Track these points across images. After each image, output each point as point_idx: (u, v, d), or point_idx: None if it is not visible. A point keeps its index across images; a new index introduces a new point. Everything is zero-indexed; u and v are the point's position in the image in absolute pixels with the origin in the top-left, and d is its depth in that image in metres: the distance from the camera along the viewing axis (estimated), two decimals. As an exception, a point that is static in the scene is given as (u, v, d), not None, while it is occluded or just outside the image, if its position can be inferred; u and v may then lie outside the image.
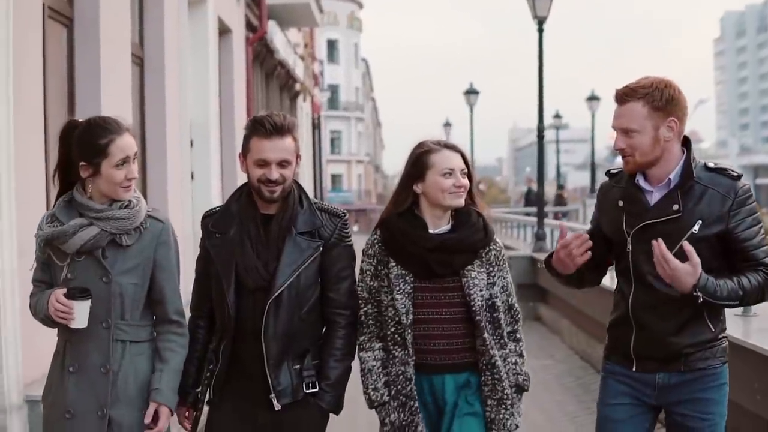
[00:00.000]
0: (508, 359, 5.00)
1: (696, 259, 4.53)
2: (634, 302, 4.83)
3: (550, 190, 48.75)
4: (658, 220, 4.72)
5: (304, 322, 4.94)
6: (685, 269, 4.54)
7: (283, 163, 4.86)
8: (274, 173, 4.84)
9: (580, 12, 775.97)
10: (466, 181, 4.98)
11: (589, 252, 4.80)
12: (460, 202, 4.98)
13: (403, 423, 4.89)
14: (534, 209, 25.20)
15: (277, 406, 4.84)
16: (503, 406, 4.92)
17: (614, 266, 5.03)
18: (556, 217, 33.02)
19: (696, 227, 4.66)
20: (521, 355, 5.06)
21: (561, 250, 4.84)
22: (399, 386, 4.92)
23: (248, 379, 4.90)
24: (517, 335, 5.09)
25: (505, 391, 4.93)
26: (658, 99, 4.67)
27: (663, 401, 4.86)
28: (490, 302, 4.96)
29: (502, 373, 4.92)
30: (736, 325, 7.73)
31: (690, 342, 4.75)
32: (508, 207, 45.63)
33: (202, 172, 15.49)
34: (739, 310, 8.09)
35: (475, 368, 4.95)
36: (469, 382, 4.96)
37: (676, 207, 4.69)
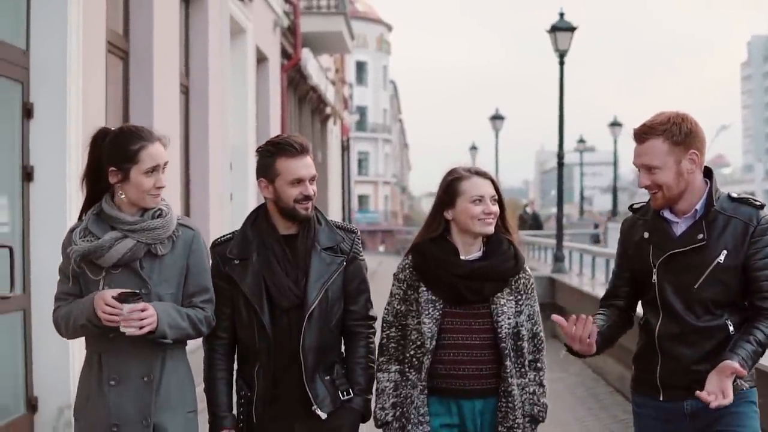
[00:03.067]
0: (527, 389, 5.00)
1: (726, 387, 4.53)
2: (660, 332, 4.80)
3: (573, 213, 49.32)
4: (684, 249, 4.71)
5: (332, 335, 5.04)
6: (723, 383, 4.53)
7: (312, 180, 4.97)
8: (310, 189, 4.93)
9: (605, 34, 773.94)
10: (496, 208, 4.99)
11: (596, 328, 4.84)
12: (490, 229, 4.99)
13: None
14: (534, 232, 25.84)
15: (323, 416, 4.92)
16: None
17: (640, 298, 5.01)
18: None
19: (722, 257, 4.66)
20: (541, 385, 5.06)
21: (572, 343, 4.83)
22: (404, 409, 4.96)
23: (285, 395, 4.95)
24: (539, 364, 5.07)
25: (517, 420, 4.92)
26: (677, 134, 4.67)
27: (697, 427, 4.79)
28: (515, 330, 4.96)
29: (516, 402, 4.92)
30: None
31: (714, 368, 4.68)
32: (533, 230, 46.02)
33: (240, 193, 16.20)
34: None
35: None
36: (494, 408, 4.97)
37: (701, 236, 4.69)
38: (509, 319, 4.95)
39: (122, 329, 4.60)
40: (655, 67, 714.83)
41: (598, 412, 11.94)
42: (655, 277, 4.80)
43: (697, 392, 4.53)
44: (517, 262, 5.05)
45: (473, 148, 59.52)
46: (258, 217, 5.09)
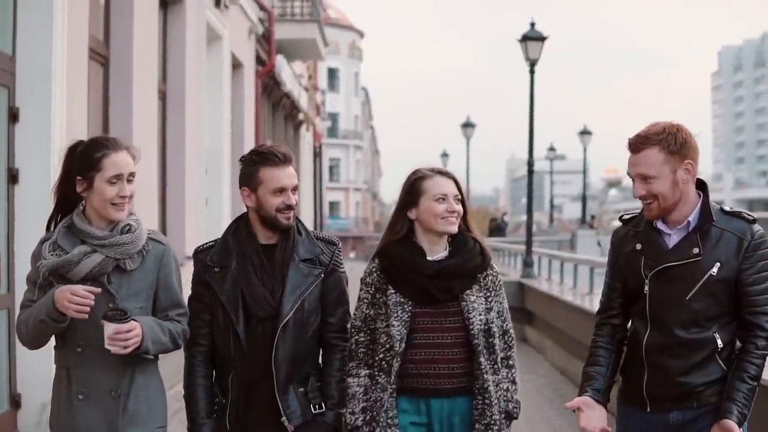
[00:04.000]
0: (500, 385, 4.96)
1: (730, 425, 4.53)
2: (648, 343, 4.76)
3: (544, 221, 49.79)
4: (678, 263, 4.69)
5: (307, 346, 5.02)
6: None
7: (294, 189, 4.98)
8: (292, 198, 4.94)
9: (576, 45, 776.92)
10: (459, 207, 4.97)
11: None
12: (453, 228, 4.97)
13: None
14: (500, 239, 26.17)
15: (291, 428, 4.92)
16: (490, 431, 4.89)
17: (629, 308, 4.97)
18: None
19: (714, 269, 4.63)
20: (513, 382, 5.03)
21: None
22: (374, 413, 4.91)
23: (258, 405, 4.94)
24: (510, 361, 5.04)
25: (494, 417, 4.89)
26: (673, 143, 4.64)
27: None
28: (486, 327, 4.94)
29: (492, 399, 4.89)
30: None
31: (702, 381, 4.69)
32: (502, 236, 46.40)
33: (215, 197, 16.45)
34: None
35: (471, 393, 4.95)
36: (465, 406, 4.94)
37: (696, 250, 4.66)
38: (480, 315, 4.92)
39: (107, 347, 4.56)
40: (625, 78, 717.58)
41: (565, 411, 11.99)
42: (646, 288, 4.76)
43: None
44: (484, 259, 5.04)
45: (444, 155, 59.71)
46: (239, 226, 5.08)
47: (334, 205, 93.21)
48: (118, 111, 11.16)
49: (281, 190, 4.92)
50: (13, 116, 8.49)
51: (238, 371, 4.94)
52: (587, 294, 15.27)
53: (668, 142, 4.65)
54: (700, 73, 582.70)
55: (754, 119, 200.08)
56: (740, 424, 4.57)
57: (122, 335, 4.54)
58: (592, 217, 53.02)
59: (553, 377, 15.42)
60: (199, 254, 5.08)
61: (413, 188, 5.01)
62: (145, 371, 4.82)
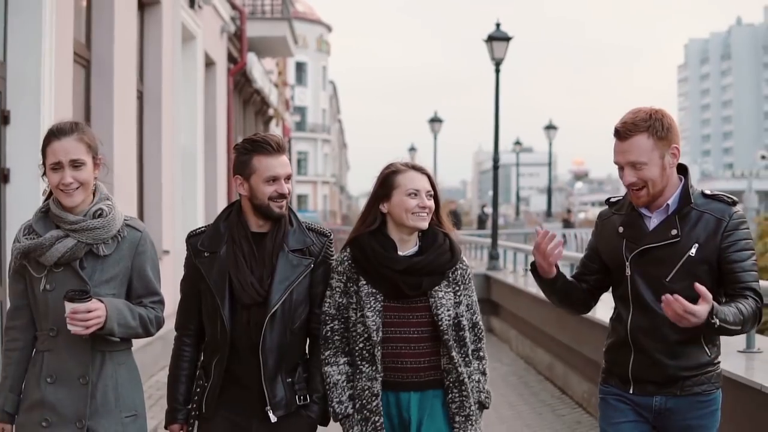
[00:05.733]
0: (472, 377, 4.97)
1: (708, 293, 4.46)
2: (632, 326, 4.79)
3: (511, 213, 50.28)
4: (657, 244, 4.73)
5: (295, 337, 4.97)
6: (704, 309, 4.44)
7: (287, 178, 4.95)
8: (285, 187, 4.91)
9: (546, 38, 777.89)
10: (431, 203, 4.97)
11: (562, 249, 4.88)
12: (424, 224, 4.97)
13: None
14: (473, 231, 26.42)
15: (274, 419, 4.87)
16: (470, 422, 4.90)
17: (612, 292, 5.03)
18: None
19: (693, 250, 4.67)
20: (484, 373, 5.04)
21: (536, 254, 4.89)
22: (364, 401, 4.89)
23: (242, 392, 4.92)
24: (481, 353, 5.05)
25: (472, 408, 4.91)
26: (660, 129, 4.67)
27: (659, 424, 4.84)
28: (456, 321, 4.93)
29: (469, 390, 4.91)
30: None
31: (687, 365, 4.74)
32: (470, 229, 46.79)
33: (190, 192, 16.75)
34: (743, 345, 7.90)
35: (440, 386, 4.94)
36: (434, 399, 4.94)
37: (674, 232, 4.70)
38: (449, 310, 4.92)
39: (69, 327, 4.54)
40: (592, 72, 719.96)
41: (528, 397, 12.69)
42: (628, 270, 4.80)
43: (665, 296, 4.47)
44: (453, 255, 5.03)
45: (412, 149, 59.79)
46: (231, 212, 5.06)
47: (302, 198, 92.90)
48: (99, 111, 11.51)
49: (274, 179, 4.89)
50: (4, 118, 8.85)
51: (221, 356, 4.91)
52: (551, 285, 15.71)
53: (656, 127, 4.68)
54: (666, 67, 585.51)
55: (720, 112, 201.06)
56: (719, 312, 4.46)
57: (80, 315, 4.52)
58: (568, 211, 53.23)
59: (518, 365, 15.91)
60: (191, 238, 5.06)
61: (386, 182, 5.02)
62: (115, 359, 4.80)
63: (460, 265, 5.06)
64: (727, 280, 4.71)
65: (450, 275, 5.01)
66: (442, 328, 4.89)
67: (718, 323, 4.46)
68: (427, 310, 4.93)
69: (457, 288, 5.01)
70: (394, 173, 5.02)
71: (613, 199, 5.11)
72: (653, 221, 4.80)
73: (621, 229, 4.86)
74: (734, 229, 4.70)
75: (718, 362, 4.86)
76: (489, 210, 40.73)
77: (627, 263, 4.81)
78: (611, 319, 5.03)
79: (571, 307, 5.15)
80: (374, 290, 4.94)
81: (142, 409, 4.94)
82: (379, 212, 5.04)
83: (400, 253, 4.98)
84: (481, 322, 5.13)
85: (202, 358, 5.09)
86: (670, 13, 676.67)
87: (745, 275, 4.68)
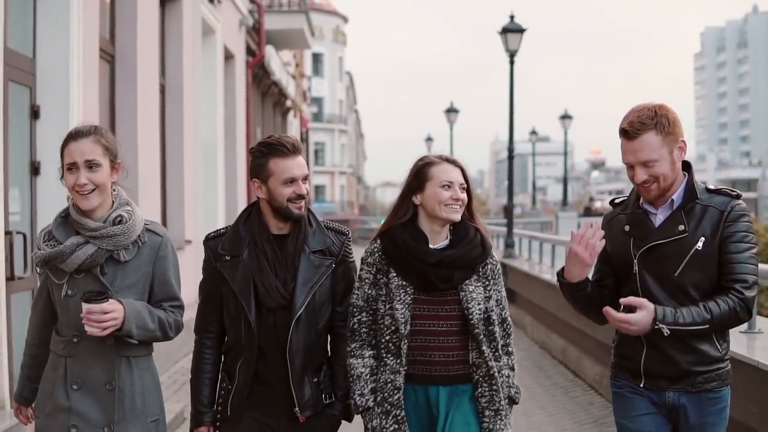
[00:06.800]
0: (502, 372, 4.94)
1: (641, 300, 4.59)
2: None
3: (527, 203, 50.52)
4: (665, 240, 4.73)
5: (319, 336, 5.00)
6: (641, 315, 4.56)
7: (304, 179, 4.94)
8: (303, 188, 4.91)
9: (563, 26, 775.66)
10: (463, 196, 4.95)
11: (604, 241, 4.79)
12: (456, 216, 4.94)
13: (385, 430, 4.88)
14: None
15: (302, 419, 4.91)
16: (499, 416, 4.89)
17: (621, 289, 4.95)
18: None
19: (699, 244, 4.67)
20: (513, 369, 5.02)
21: (576, 246, 4.78)
22: (386, 394, 4.88)
23: (269, 393, 4.94)
24: (509, 348, 5.03)
25: (501, 403, 4.89)
26: (667, 124, 4.68)
27: (671, 418, 4.84)
28: (486, 315, 4.92)
29: (499, 385, 4.89)
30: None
31: (698, 360, 4.73)
32: (487, 219, 47.09)
33: (211, 183, 17.09)
34: (744, 326, 7.83)
35: (468, 380, 4.91)
36: (462, 393, 4.92)
37: (682, 227, 4.70)
38: (479, 305, 4.89)
39: (86, 328, 4.55)
40: (609, 61, 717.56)
41: (542, 380, 13.08)
42: (635, 267, 4.79)
43: (605, 308, 4.65)
44: (485, 250, 5.00)
45: (429, 139, 60.04)
46: (251, 215, 5.06)
47: (319, 189, 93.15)
48: (123, 105, 11.83)
49: (292, 181, 4.89)
50: (35, 113, 9.16)
51: (246, 359, 4.92)
52: (564, 273, 16.04)
53: (662, 124, 4.67)
54: (683, 55, 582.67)
55: (737, 100, 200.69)
56: (664, 317, 4.56)
57: (95, 315, 4.51)
58: (591, 200, 52.83)
59: (533, 350, 16.25)
60: (210, 241, 5.07)
61: (420, 174, 5.00)
62: (139, 365, 4.82)
63: (491, 260, 5.05)
64: (721, 271, 4.71)
65: (480, 270, 4.99)
66: (472, 321, 4.87)
67: (665, 329, 4.55)
68: (456, 304, 4.91)
69: (487, 283, 4.99)
70: (428, 165, 5.01)
71: (617, 200, 5.14)
72: (659, 218, 4.81)
73: (627, 228, 4.87)
74: (734, 220, 4.70)
75: (728, 359, 4.85)
76: (519, 200, 40.95)
77: (635, 261, 4.79)
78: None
79: (598, 316, 4.96)
80: (404, 282, 4.91)
81: (163, 413, 4.98)
82: (411, 204, 5.03)
83: (431, 246, 4.96)
84: (509, 318, 5.12)
85: (223, 360, 5.11)
86: (686, 1, 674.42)
87: (739, 267, 4.67)
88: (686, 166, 4.84)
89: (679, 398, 4.77)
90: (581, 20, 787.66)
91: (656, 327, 4.54)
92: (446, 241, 4.99)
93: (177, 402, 10.12)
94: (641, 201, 4.85)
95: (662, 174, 4.70)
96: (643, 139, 4.68)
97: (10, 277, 8.24)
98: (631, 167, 4.79)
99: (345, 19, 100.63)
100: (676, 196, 4.77)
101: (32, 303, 4.98)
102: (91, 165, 4.65)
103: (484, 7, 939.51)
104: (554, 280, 15.92)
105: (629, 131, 4.72)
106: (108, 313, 4.52)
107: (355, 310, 5.02)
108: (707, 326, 4.61)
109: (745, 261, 4.67)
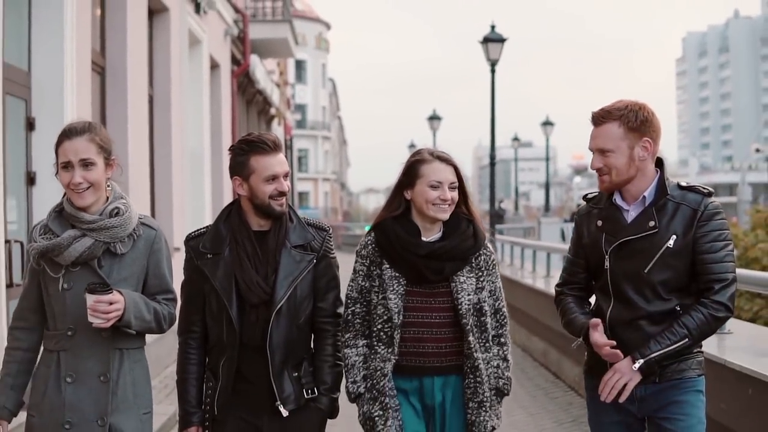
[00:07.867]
0: (491, 363, 4.97)
1: (613, 353, 4.68)
2: (612, 318, 4.80)
3: (510, 209, 50.91)
4: (635, 236, 4.75)
5: (301, 332, 5.01)
6: (621, 365, 4.68)
7: (285, 176, 4.96)
8: (284, 185, 4.93)
9: (545, 32, 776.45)
10: (453, 194, 4.96)
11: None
12: (444, 216, 4.96)
13: (373, 415, 4.92)
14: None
15: (285, 413, 4.91)
16: (483, 408, 4.91)
17: (594, 284, 5.03)
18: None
19: (671, 242, 4.68)
20: (505, 359, 5.03)
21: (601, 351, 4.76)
22: (374, 380, 4.93)
23: (251, 390, 4.95)
24: (502, 339, 5.04)
25: (485, 394, 4.91)
26: (633, 120, 4.69)
27: (644, 412, 4.84)
28: (477, 306, 4.94)
29: (483, 377, 4.90)
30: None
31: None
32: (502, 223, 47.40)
33: (198, 191, 17.30)
34: None
35: (461, 371, 4.96)
36: (456, 385, 4.97)
37: (652, 223, 4.72)
38: (469, 296, 4.92)
39: (90, 319, 4.55)
40: (591, 66, 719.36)
41: (524, 382, 13.31)
42: (607, 263, 4.81)
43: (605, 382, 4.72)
44: (477, 241, 5.03)
45: (411, 145, 59.99)
46: (231, 212, 5.07)
47: (303, 196, 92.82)
48: (114, 116, 12.08)
49: (273, 178, 4.91)
50: (30, 125, 9.44)
51: (229, 356, 4.94)
52: (545, 277, 16.44)
53: (628, 118, 4.71)
54: (665, 60, 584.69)
55: (719, 105, 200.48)
56: (647, 371, 4.68)
57: (102, 306, 4.52)
58: (578, 206, 52.99)
59: (515, 353, 15.76)
60: (191, 241, 5.08)
61: (411, 170, 5.02)
62: (132, 357, 4.82)
63: (484, 251, 5.08)
64: (698, 271, 4.73)
65: (473, 261, 5.01)
66: (461, 312, 4.89)
67: (644, 363, 4.65)
68: (448, 296, 4.94)
69: (480, 273, 5.01)
70: (419, 162, 5.02)
71: (589, 195, 5.16)
72: (631, 214, 4.83)
73: (600, 223, 4.90)
74: (708, 219, 4.71)
75: (698, 351, 4.85)
76: (505, 205, 41.20)
77: (606, 256, 4.82)
78: (591, 311, 5.02)
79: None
80: (397, 274, 4.95)
81: (152, 406, 4.98)
82: (403, 198, 5.05)
83: (423, 238, 4.99)
84: (505, 309, 5.11)
85: (207, 359, 5.12)
86: (667, 5, 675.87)
87: (716, 266, 4.69)
88: (658, 164, 4.88)
89: (647, 390, 4.79)
90: (563, 27, 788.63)
91: (637, 367, 4.65)
92: (439, 234, 5.03)
93: (170, 405, 10.34)
94: (614, 197, 4.89)
95: (615, 166, 4.76)
96: (605, 127, 4.77)
97: (9, 284, 8.47)
98: (593, 153, 4.88)
99: (328, 26, 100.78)
100: (648, 192, 4.80)
101: (16, 309, 4.96)
102: (85, 164, 4.67)
103: (466, 12, 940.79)
104: (535, 284, 16.17)
105: (595, 117, 4.83)
106: (113, 304, 4.55)
107: (349, 301, 5.08)
108: (687, 340, 4.67)
109: (721, 260, 4.70)
